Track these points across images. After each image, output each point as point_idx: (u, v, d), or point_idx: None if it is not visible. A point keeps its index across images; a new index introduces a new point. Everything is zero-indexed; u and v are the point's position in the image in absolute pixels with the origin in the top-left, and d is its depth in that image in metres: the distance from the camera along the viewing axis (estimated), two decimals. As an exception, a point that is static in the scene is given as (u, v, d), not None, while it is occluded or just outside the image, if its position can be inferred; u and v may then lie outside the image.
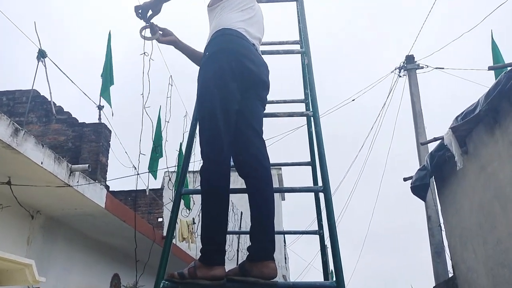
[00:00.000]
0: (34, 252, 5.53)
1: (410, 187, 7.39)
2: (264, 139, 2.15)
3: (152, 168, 8.20)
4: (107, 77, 5.89)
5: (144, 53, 3.76)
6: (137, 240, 7.85)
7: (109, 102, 5.49)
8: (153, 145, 7.51)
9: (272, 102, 2.51)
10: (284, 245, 17.56)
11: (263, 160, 2.04)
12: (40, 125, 6.08)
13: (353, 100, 8.97)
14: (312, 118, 2.10)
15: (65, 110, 6.25)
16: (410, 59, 10.78)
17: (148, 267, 6.79)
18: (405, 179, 7.72)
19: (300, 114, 2.15)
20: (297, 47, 2.64)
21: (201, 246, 1.90)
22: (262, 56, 2.35)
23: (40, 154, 4.25)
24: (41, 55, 4.68)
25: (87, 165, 4.68)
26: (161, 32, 2.46)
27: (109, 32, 6.18)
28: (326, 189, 1.86)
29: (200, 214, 2.03)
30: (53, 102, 6.35)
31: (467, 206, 6.04)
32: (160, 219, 13.40)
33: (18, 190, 4.73)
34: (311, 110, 2.13)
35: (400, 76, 11.19)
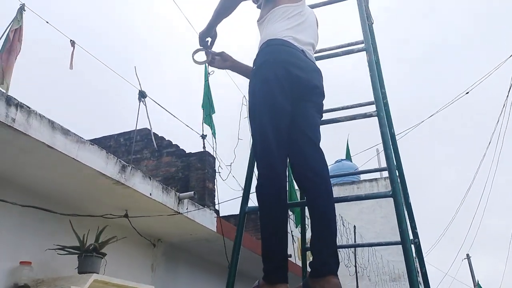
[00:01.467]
0: (159, 278, 5.92)
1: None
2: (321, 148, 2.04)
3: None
4: (207, 107, 6.18)
5: (211, 73, 3.85)
6: (251, 258, 7.96)
7: (213, 130, 5.76)
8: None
9: (336, 109, 2.36)
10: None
11: (321, 170, 1.94)
12: (153, 160, 6.57)
13: (467, 93, 8.18)
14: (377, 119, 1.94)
15: (173, 143, 6.69)
16: (531, 38, 9.59)
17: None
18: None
19: (363, 116, 2.01)
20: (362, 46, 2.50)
21: (263, 265, 1.84)
22: (322, 60, 2.28)
23: (148, 186, 4.56)
24: (142, 95, 5.05)
25: (193, 192, 4.92)
26: (217, 57, 2.50)
27: (205, 65, 6.51)
28: (395, 193, 1.69)
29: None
30: (161, 136, 6.85)
31: None
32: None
33: (135, 221, 5.11)
34: (376, 110, 1.97)
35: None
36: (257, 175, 1.98)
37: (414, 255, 2.07)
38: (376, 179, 14.67)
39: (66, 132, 3.56)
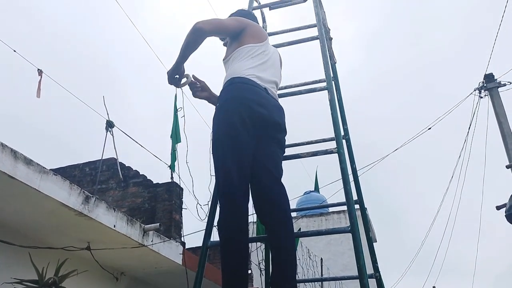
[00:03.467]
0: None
1: (505, 215, 6.71)
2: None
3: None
4: (174, 137, 6.17)
5: (179, 109, 3.88)
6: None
7: (172, 162, 5.71)
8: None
9: (299, 144, 2.43)
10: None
11: (283, 205, 1.98)
12: (119, 190, 6.47)
13: (429, 128, 8.50)
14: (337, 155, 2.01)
15: (141, 173, 6.62)
16: (489, 77, 10.06)
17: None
18: (498, 208, 7.03)
19: (324, 153, 2.07)
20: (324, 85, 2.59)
21: None
22: (285, 97, 2.35)
23: (112, 218, 4.48)
24: (109, 125, 5.01)
25: (158, 224, 4.85)
26: (198, 84, 2.53)
27: (175, 95, 6.55)
28: (353, 229, 1.74)
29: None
30: (128, 167, 6.76)
31: None
32: (249, 271, 13.36)
33: (98, 254, 4.98)
34: (337, 147, 2.04)
35: (481, 97, 10.44)
36: (219, 210, 2.00)
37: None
38: (344, 211, 14.78)
39: (28, 161, 3.50)
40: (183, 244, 6.50)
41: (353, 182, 1.90)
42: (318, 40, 2.54)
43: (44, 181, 3.63)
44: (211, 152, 2.17)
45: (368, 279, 2.83)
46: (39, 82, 4.05)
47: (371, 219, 15.85)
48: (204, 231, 2.11)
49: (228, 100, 2.15)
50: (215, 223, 2.00)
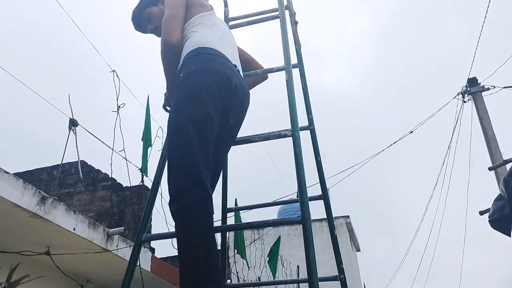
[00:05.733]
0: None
1: (488, 220, 6.57)
2: None
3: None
4: (145, 140, 5.96)
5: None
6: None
7: (144, 165, 5.48)
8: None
9: (255, 140, 2.15)
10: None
11: None
12: (88, 194, 6.20)
13: (411, 132, 8.40)
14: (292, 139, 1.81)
15: (111, 176, 6.37)
16: (473, 81, 9.99)
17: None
18: (481, 213, 6.89)
19: (277, 136, 1.87)
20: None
21: None
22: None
23: (72, 220, 4.22)
24: (72, 124, 4.78)
25: (123, 227, 4.60)
26: None
27: (148, 97, 6.35)
28: (304, 219, 1.54)
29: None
30: (98, 169, 6.50)
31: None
32: (229, 281, 13.06)
33: (60, 259, 4.71)
34: (291, 130, 1.84)
35: (465, 101, 10.36)
36: (171, 197, 1.72)
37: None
38: (325, 219, 14.61)
39: (-26, 157, 3.24)
40: (152, 250, 6.24)
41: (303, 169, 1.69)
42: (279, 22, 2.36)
43: (-7, 178, 3.38)
44: (167, 129, 1.88)
45: (333, 281, 2.63)
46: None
47: (355, 228, 15.70)
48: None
49: (196, 72, 1.88)
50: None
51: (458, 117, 9.85)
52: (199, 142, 1.73)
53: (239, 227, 1.82)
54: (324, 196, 2.40)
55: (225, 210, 2.44)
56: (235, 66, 2.03)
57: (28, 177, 6.67)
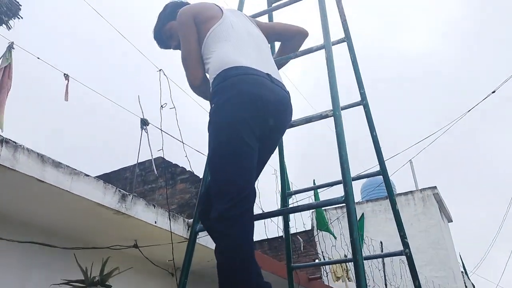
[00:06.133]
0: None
1: None
2: None
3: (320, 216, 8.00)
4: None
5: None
6: (279, 284, 7.72)
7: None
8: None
9: (297, 124, 2.11)
10: (464, 272, 15.60)
11: None
12: (168, 188, 6.53)
13: (493, 92, 7.78)
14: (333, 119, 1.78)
15: (187, 169, 6.65)
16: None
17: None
18: None
19: (319, 117, 1.84)
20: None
21: None
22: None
23: (152, 214, 4.48)
24: (144, 123, 5.03)
25: (201, 217, 4.78)
26: None
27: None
28: (347, 199, 1.52)
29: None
30: (175, 164, 6.81)
31: None
32: (317, 260, 13.13)
33: (149, 251, 5.02)
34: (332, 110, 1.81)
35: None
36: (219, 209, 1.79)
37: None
38: (411, 192, 14.10)
39: (57, 164, 3.55)
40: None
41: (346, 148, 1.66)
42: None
43: (76, 182, 3.68)
44: (208, 163, 1.93)
45: (399, 256, 2.57)
46: (66, 86, 4.12)
47: (445, 198, 14.99)
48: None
49: (228, 101, 1.79)
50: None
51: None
52: (239, 176, 1.76)
53: (282, 213, 1.84)
54: (383, 172, 2.33)
55: (284, 195, 2.46)
56: (268, 75, 1.88)
57: (115, 176, 7.18)
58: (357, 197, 15.18)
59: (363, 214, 10.77)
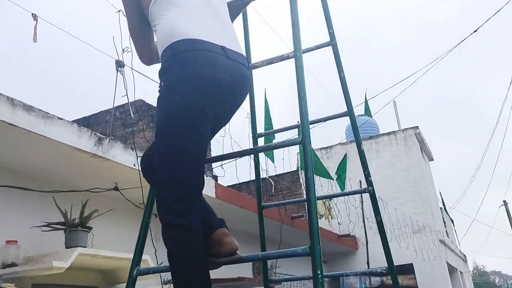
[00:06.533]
0: (163, 248, 5.95)
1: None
2: None
3: (269, 154, 8.24)
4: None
5: None
6: (264, 223, 7.92)
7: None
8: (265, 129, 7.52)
9: (258, 65, 2.14)
10: (443, 208, 16.21)
11: None
12: (149, 131, 6.52)
13: (475, 31, 7.71)
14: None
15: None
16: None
17: (283, 247, 6.90)
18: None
19: (280, 58, 1.82)
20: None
21: None
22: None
23: (131, 157, 4.50)
24: (119, 65, 4.92)
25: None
26: None
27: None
28: (303, 139, 1.53)
29: None
30: (155, 106, 6.75)
31: None
32: (300, 200, 13.42)
33: (130, 193, 5.09)
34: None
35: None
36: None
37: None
38: (394, 132, 14.29)
39: (28, 108, 3.50)
40: (214, 177, 6.54)
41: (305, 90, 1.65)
42: None
43: (49, 126, 3.65)
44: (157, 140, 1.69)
45: (362, 194, 2.65)
46: (35, 26, 3.98)
47: (428, 138, 15.23)
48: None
49: (179, 83, 1.60)
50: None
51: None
52: (189, 174, 1.61)
53: (243, 154, 1.86)
54: (350, 113, 2.34)
55: (255, 137, 2.48)
56: (223, 49, 1.65)
57: (95, 119, 7.13)
58: (342, 138, 15.37)
59: (346, 155, 10.94)
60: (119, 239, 4.92)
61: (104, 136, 4.22)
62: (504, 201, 26.40)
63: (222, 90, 1.63)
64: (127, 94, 5.00)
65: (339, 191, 9.83)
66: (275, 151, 8.15)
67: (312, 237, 1.38)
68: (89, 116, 7.18)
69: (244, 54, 1.80)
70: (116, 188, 4.92)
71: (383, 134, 14.44)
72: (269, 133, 2.73)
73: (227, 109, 1.76)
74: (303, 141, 1.54)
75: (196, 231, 1.56)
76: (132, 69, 5.10)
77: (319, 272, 1.31)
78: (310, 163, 1.49)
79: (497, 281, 69.20)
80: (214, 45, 1.64)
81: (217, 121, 1.74)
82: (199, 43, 1.62)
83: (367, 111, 15.04)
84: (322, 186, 10.41)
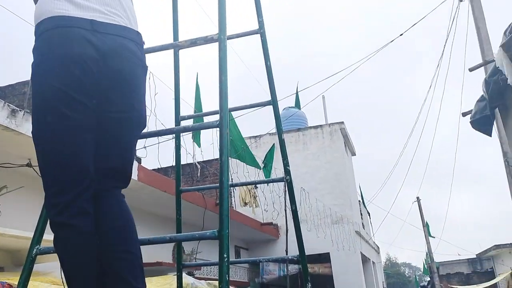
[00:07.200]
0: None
1: (470, 121, 6.60)
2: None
3: (196, 138, 8.17)
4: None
5: None
6: (186, 208, 7.89)
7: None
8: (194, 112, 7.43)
9: (182, 45, 2.11)
10: (361, 201, 17.03)
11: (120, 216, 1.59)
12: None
13: (401, 34, 8.10)
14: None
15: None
16: (469, -21, 9.49)
17: (204, 234, 6.90)
18: (464, 114, 6.90)
19: (204, 40, 1.78)
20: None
21: None
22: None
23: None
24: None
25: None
26: None
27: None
28: (221, 123, 1.52)
29: None
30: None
31: (531, 135, 5.23)
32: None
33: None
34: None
35: (461, 0, 9.93)
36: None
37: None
38: (321, 126, 14.73)
39: None
40: (138, 159, 6.39)
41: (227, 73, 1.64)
42: None
43: (-46, 93, 3.35)
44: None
45: (279, 182, 2.71)
46: None
47: (351, 133, 15.88)
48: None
49: (41, 66, 1.49)
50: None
51: (454, 17, 9.46)
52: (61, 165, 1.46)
53: (159, 134, 1.82)
54: (273, 102, 2.37)
55: (178, 119, 2.43)
56: (91, 23, 1.52)
57: (10, 91, 6.65)
58: (272, 128, 15.58)
59: (273, 144, 11.11)
60: (29, 218, 4.64)
61: (18, 109, 3.96)
62: (417, 198, 28.21)
63: (85, 66, 1.48)
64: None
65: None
66: (205, 136, 8.08)
67: (222, 221, 1.38)
68: (5, 86, 6.68)
69: (133, 27, 1.67)
70: (29, 165, 4.66)
71: (310, 127, 14.84)
72: (193, 117, 2.69)
73: (110, 84, 1.54)
74: (220, 125, 1.52)
75: (78, 228, 1.42)
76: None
77: (225, 255, 1.31)
78: (226, 147, 1.48)
79: (406, 272, 74.05)
80: (79, 20, 1.52)
81: (111, 100, 1.56)
82: (58, 20, 1.51)
83: (297, 104, 15.35)
84: (249, 174, 10.51)
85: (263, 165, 11.34)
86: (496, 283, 24.34)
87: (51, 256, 3.69)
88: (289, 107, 15.87)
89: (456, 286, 26.43)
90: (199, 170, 8.88)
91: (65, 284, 1.46)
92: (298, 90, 15.63)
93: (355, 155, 16.66)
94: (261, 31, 2.43)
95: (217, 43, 1.73)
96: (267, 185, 11.07)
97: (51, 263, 4.08)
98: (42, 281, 3.85)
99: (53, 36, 1.49)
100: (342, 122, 14.35)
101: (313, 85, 12.50)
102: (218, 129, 1.55)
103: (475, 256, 31.18)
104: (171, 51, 2.34)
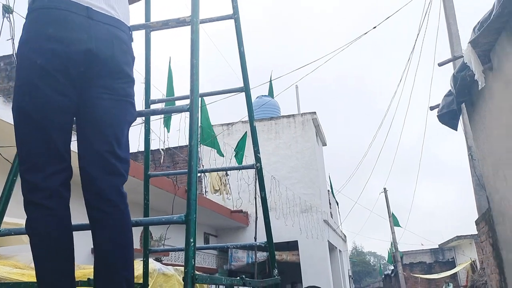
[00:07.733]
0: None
1: (437, 115, 6.75)
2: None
3: (167, 123, 8.08)
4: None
5: None
6: (157, 195, 7.85)
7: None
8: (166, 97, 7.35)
9: (154, 26, 2.07)
10: (330, 191, 17.28)
11: (110, 195, 1.55)
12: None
13: (374, 27, 8.18)
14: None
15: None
16: (441, -26, 9.65)
17: (173, 220, 6.85)
18: (431, 108, 7.05)
19: (176, 21, 1.75)
20: None
21: None
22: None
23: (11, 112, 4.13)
24: (6, 10, 4.46)
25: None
26: None
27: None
28: (191, 107, 1.50)
29: None
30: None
31: (495, 130, 5.39)
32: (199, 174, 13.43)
33: (8, 152, 4.69)
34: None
35: (428, -4, 10.09)
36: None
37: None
38: (293, 115, 14.81)
39: None
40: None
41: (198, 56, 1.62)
42: None
43: None
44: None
45: (249, 169, 2.72)
46: None
47: (323, 123, 16.02)
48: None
49: (26, 44, 1.50)
50: None
51: (426, 12, 9.61)
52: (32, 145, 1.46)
53: (143, 114, 1.78)
54: (245, 89, 2.35)
55: (148, 103, 2.39)
56: (87, 9, 1.53)
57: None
58: (244, 116, 15.57)
59: (245, 132, 11.12)
60: None
61: (-19, 87, 3.82)
62: (384, 188, 28.84)
63: (72, 49, 1.49)
64: (13, 42, 4.57)
65: (235, 167, 10.00)
66: (176, 123, 8.00)
67: (189, 205, 1.37)
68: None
69: (125, 21, 1.68)
70: (-7, 146, 4.51)
71: (283, 116, 14.90)
72: (163, 101, 2.65)
73: (101, 69, 1.55)
74: (190, 108, 1.51)
75: (51, 210, 1.42)
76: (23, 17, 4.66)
77: (192, 240, 1.30)
78: (196, 131, 1.47)
79: (372, 261, 75.85)
80: (76, 5, 1.54)
81: (102, 85, 1.57)
82: (56, 1, 1.52)
83: (271, 92, 15.37)
84: (217, 161, 10.51)
85: (234, 153, 11.35)
86: (456, 272, 25.24)
87: (13, 239, 3.60)
88: (263, 95, 15.86)
89: (418, 275, 27.30)
90: (162, 156, 8.78)
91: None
92: (272, 79, 15.63)
93: (326, 145, 16.85)
94: (235, 16, 2.40)
95: (189, 26, 1.71)
96: (238, 172, 11.08)
97: (13, 246, 3.99)
98: (5, 265, 3.76)
99: (44, 16, 1.50)
100: (314, 112, 14.46)
101: (287, 74, 12.53)
102: (188, 113, 1.54)
103: (437, 247, 32.18)
104: (143, 32, 2.30)
